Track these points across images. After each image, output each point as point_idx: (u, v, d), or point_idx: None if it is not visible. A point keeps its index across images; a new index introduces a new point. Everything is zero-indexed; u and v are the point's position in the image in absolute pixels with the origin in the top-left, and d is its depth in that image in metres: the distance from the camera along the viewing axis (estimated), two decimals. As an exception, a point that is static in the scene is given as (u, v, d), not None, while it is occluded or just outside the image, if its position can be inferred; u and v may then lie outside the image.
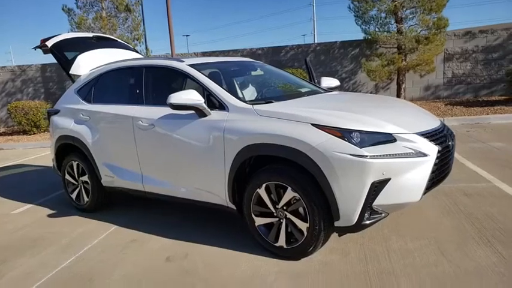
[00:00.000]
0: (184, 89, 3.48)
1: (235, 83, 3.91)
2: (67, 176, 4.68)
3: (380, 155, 2.62)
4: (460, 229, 3.28)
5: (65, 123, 4.53)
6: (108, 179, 4.20)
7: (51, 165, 5.23)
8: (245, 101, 3.25)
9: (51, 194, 5.47)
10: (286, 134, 2.79)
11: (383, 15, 10.41)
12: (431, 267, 2.72)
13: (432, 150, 2.76)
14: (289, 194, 2.88)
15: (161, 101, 3.74)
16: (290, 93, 3.88)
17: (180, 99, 3.19)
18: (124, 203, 4.74)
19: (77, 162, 4.52)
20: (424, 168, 2.71)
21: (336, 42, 12.42)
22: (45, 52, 5.34)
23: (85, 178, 4.48)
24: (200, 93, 3.25)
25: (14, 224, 4.41)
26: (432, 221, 3.50)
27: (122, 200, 4.78)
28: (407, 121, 2.99)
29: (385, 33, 10.44)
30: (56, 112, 4.77)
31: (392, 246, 3.08)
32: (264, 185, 3.00)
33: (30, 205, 5.07)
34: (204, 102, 3.24)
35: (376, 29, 10.89)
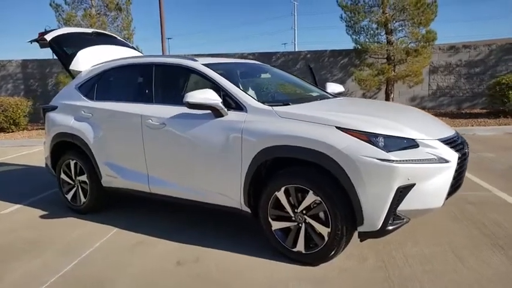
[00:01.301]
0: (197, 89, 3.39)
1: (249, 84, 3.85)
2: (63, 176, 4.47)
3: (406, 160, 2.62)
4: (471, 236, 3.32)
5: (63, 120, 4.34)
6: (109, 179, 4.04)
7: (44, 163, 5.01)
8: (263, 102, 3.20)
9: (39, 195, 5.22)
10: (310, 136, 2.75)
11: (374, 26, 10.61)
12: (452, 274, 2.72)
13: (453, 156, 2.78)
14: (310, 198, 2.83)
15: (173, 100, 3.66)
16: (303, 97, 3.85)
17: (197, 98, 3.10)
18: (121, 205, 4.56)
19: (74, 161, 4.33)
20: (446, 174, 2.73)
21: (326, 51, 12.57)
22: (42, 46, 5.14)
23: (83, 178, 4.29)
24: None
25: (5, 224, 4.17)
26: (442, 227, 3.52)
27: (118, 202, 4.60)
28: (427, 128, 3.01)
29: (376, 44, 10.63)
30: (53, 108, 4.57)
31: (408, 252, 3.08)
32: (283, 188, 2.94)
33: (18, 205, 4.81)
34: (221, 102, 3.17)
35: (366, 40, 11.09)
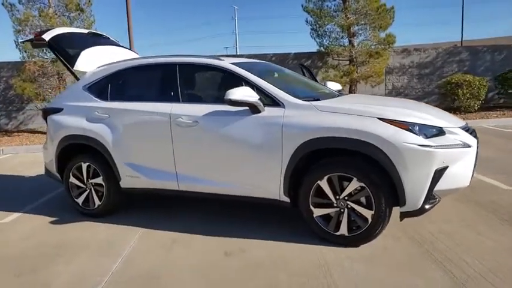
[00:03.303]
0: (227, 87, 3.51)
1: (270, 82, 4.02)
2: (72, 179, 4.33)
3: (440, 145, 2.96)
4: (479, 213, 3.77)
5: (73, 122, 4.21)
6: (130, 179, 4.00)
7: (44, 169, 4.82)
8: (299, 98, 3.40)
9: (36, 202, 5.00)
10: (356, 127, 3.01)
11: (337, 29, 11.21)
12: (481, 244, 3.12)
13: (473, 141, 3.18)
14: (354, 184, 3.08)
15: (203, 98, 3.75)
16: (323, 93, 4.08)
17: (239, 95, 3.23)
18: (134, 206, 4.52)
19: (87, 163, 4.22)
20: (470, 157, 3.12)
21: (290, 53, 13.01)
22: (37, 46, 4.97)
23: (98, 180, 4.19)
24: None
25: (15, 233, 3.97)
26: (450, 207, 3.95)
27: (131, 204, 4.56)
28: (446, 118, 3.40)
29: (340, 46, 11.24)
30: (57, 111, 4.41)
31: (431, 229, 3.44)
32: (326, 177, 3.17)
33: (17, 213, 4.58)
34: (259, 99, 3.33)
35: (328, 43, 11.68)
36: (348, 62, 11.56)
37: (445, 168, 2.97)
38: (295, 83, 4.15)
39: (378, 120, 3.01)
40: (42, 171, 6.74)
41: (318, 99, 3.51)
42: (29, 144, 10.31)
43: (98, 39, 5.07)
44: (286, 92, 3.46)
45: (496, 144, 7.16)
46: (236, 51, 43.71)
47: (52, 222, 4.22)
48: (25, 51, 11.04)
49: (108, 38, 5.45)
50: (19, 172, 6.92)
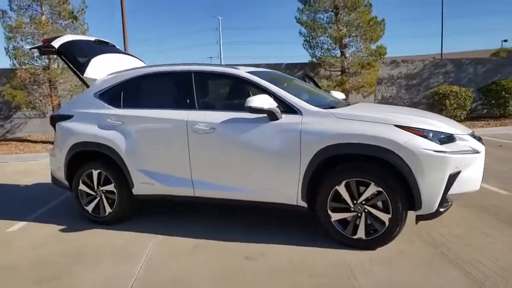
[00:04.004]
0: (243, 96, 3.59)
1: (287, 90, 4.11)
2: (82, 187, 4.31)
3: (453, 151, 3.11)
4: (483, 217, 3.93)
5: (84, 129, 4.21)
6: (143, 186, 4.02)
7: (50, 176, 4.77)
8: (316, 106, 3.51)
9: (40, 210, 4.95)
10: (375, 134, 3.13)
11: (330, 41, 11.48)
12: (491, 245, 3.26)
13: (481, 147, 3.35)
14: (371, 189, 3.20)
15: (220, 106, 3.83)
16: (335, 101, 4.20)
17: (259, 103, 3.33)
18: (143, 213, 4.52)
19: (98, 170, 4.21)
20: (480, 162, 3.28)
21: (282, 64, 13.23)
22: (45, 53, 4.99)
23: (109, 187, 4.19)
24: None
25: (26, 241, 3.92)
26: (455, 211, 4.09)
27: (140, 211, 4.56)
28: (455, 125, 3.56)
29: (332, 57, 11.51)
30: (67, 117, 4.41)
31: (442, 232, 3.58)
32: (343, 182, 3.27)
33: (23, 222, 4.52)
34: (277, 106, 3.43)
35: (321, 54, 11.94)
36: (340, 73, 11.82)
37: (458, 172, 3.11)
38: (306, 92, 4.26)
39: (394, 127, 3.15)
40: (38, 180, 6.73)
41: (333, 107, 3.63)
42: (19, 153, 10.15)
43: (104, 47, 5.10)
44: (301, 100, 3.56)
45: (489, 152, 7.42)
46: (220, 61, 44.12)
47: (62, 230, 4.18)
48: (15, 58, 10.91)
49: (114, 45, 5.48)
50: (15, 181, 6.81)
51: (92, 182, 4.27)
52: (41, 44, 4.72)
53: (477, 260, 3.00)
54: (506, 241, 3.32)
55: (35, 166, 8.40)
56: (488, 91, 12.06)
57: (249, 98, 3.35)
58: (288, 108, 3.51)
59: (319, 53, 11.86)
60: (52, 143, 11.42)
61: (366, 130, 3.17)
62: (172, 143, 3.83)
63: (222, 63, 32.00)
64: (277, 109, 3.42)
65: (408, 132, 3.11)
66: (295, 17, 11.54)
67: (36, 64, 11.18)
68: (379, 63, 11.98)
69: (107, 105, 4.22)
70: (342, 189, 3.29)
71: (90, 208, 4.30)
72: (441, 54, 38.68)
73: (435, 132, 3.17)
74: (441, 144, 3.12)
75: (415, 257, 3.13)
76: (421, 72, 13.59)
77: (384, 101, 13.50)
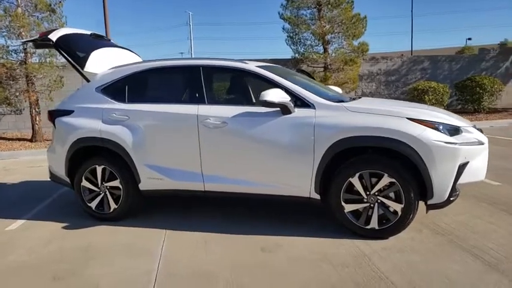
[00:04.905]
0: (253, 90, 3.61)
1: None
2: (85, 183, 4.21)
3: (462, 143, 3.26)
4: (481, 206, 4.13)
5: (87, 124, 4.11)
6: (151, 181, 3.97)
7: (48, 173, 4.63)
8: (328, 99, 3.58)
9: (36, 208, 4.83)
10: (389, 126, 3.23)
11: (313, 37, 11.62)
12: (494, 231, 3.44)
13: (485, 139, 3.52)
14: (385, 180, 3.30)
15: (230, 100, 3.84)
16: (341, 95, 4.28)
17: (274, 97, 3.37)
18: (145, 209, 4.47)
19: (102, 166, 4.13)
20: (484, 153, 3.45)
21: (265, 59, 13.24)
22: (39, 46, 4.84)
23: (114, 183, 4.12)
24: None
25: (30, 239, 3.81)
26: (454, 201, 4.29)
27: (142, 206, 4.51)
28: (459, 118, 3.72)
29: (316, 53, 11.66)
30: (67, 113, 4.28)
31: (446, 221, 3.74)
32: (357, 174, 3.36)
33: (21, 220, 4.39)
34: (290, 100, 3.48)
35: (304, 50, 12.07)
36: (322, 69, 11.99)
37: (467, 163, 3.27)
38: (311, 86, 4.33)
39: (407, 120, 3.26)
40: (22, 178, 6.49)
41: (342, 101, 3.71)
42: (-7, 151, 9.74)
43: (102, 41, 4.99)
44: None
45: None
46: (191, 56, 43.81)
47: (65, 228, 4.09)
48: (-11, 53, 10.41)
49: (109, 40, 5.36)
50: (-2, 179, 6.55)
51: (96, 178, 4.18)
52: (36, 37, 4.57)
53: (486, 246, 3.17)
54: (509, 228, 3.51)
55: (15, 164, 8.14)
56: (463, 87, 12.57)
57: (263, 92, 3.38)
58: (300, 102, 3.56)
59: (302, 49, 11.98)
60: (29, 140, 11.14)
61: (381, 123, 3.27)
62: (182, 137, 3.80)
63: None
64: (291, 103, 3.46)
65: (420, 125, 3.23)
66: (279, 13, 11.62)
67: (11, 58, 10.71)
68: (361, 60, 12.24)
69: (110, 99, 4.13)
70: (355, 181, 3.38)
71: (93, 204, 4.21)
72: (411, 51, 39.92)
73: (444, 125, 3.31)
74: (451, 136, 3.26)
75: (427, 245, 3.26)
76: (399, 68, 13.99)
77: (365, 96, 13.79)
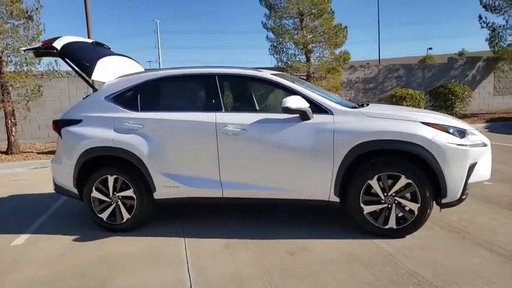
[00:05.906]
0: (269, 97, 3.70)
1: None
2: (95, 194, 4.13)
3: (471, 145, 3.48)
4: (481, 204, 4.39)
5: (98, 134, 4.05)
6: (167, 190, 3.96)
7: (53, 185, 4.50)
8: (345, 106, 3.73)
9: (38, 221, 4.69)
10: (405, 130, 3.40)
11: (296, 47, 11.87)
12: (501, 227, 3.67)
13: (488, 141, 3.77)
14: (402, 181, 3.47)
15: (247, 107, 3.91)
16: (350, 102, 4.45)
17: (294, 103, 3.47)
18: (156, 218, 4.44)
19: (114, 176, 4.07)
20: (488, 154, 3.69)
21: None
22: (40, 55, 4.76)
23: (127, 193, 4.06)
24: None
25: (40, 254, 3.69)
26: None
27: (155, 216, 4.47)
28: (461, 122, 3.96)
29: (299, 62, 11.91)
30: (74, 122, 4.21)
31: (454, 219, 3.94)
32: (376, 176, 3.51)
33: (25, 235, 4.25)
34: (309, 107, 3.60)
35: (287, 59, 12.30)
36: (305, 78, 12.24)
37: (475, 163, 3.49)
38: (321, 93, 4.48)
39: (421, 124, 3.45)
40: (11, 192, 6.25)
41: (355, 107, 3.87)
42: (-29, 164, 9.28)
43: (104, 50, 4.95)
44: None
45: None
46: (159, 65, 43.53)
47: (76, 240, 3.99)
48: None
49: (109, 48, 5.31)
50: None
51: (107, 188, 4.11)
52: (39, 45, 4.47)
53: (497, 241, 3.38)
54: (512, 223, 3.77)
55: None
56: (437, 94, 13.18)
57: (284, 99, 3.48)
58: (317, 108, 3.68)
59: (285, 58, 12.21)
60: (4, 152, 10.68)
61: (398, 127, 3.43)
62: (200, 144, 3.83)
63: (161, 67, 31.64)
64: (310, 109, 3.58)
65: (433, 129, 3.43)
66: (262, 22, 11.82)
67: (-15, 67, 10.28)
68: (342, 68, 12.60)
69: (122, 108, 4.10)
70: (374, 183, 3.52)
71: (105, 215, 4.14)
72: (379, 60, 41.36)
73: (454, 128, 3.52)
74: (461, 138, 3.47)
75: (444, 241, 3.44)
76: (376, 76, 14.48)
77: (344, 104, 14.19)
